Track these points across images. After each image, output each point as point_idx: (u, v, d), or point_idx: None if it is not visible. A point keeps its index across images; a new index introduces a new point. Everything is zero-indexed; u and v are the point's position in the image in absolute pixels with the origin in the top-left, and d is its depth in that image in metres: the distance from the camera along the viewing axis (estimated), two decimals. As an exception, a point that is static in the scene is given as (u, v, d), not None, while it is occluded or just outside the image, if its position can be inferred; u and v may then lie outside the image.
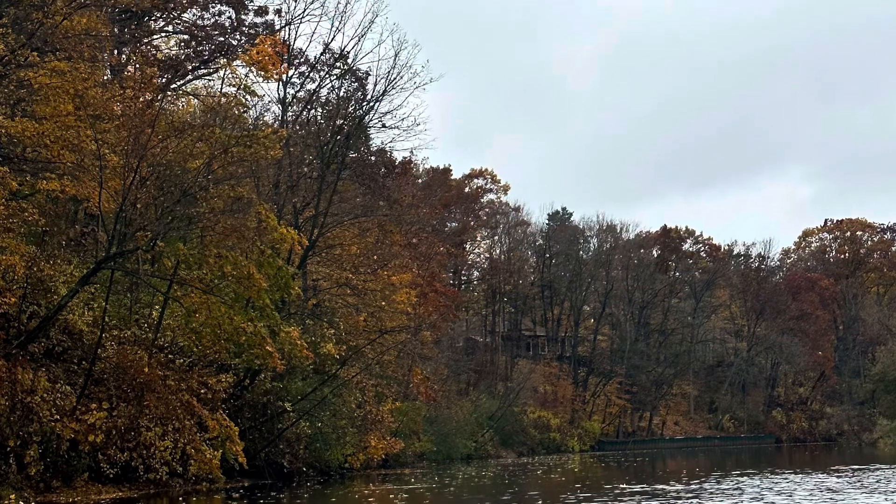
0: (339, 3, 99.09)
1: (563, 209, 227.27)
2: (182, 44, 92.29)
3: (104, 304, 63.36)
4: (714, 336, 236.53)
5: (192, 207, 63.34)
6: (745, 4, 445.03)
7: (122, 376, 63.26)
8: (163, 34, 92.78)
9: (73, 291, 59.92)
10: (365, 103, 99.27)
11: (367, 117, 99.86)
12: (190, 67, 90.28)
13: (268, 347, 64.28)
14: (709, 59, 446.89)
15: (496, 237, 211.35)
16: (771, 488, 74.85)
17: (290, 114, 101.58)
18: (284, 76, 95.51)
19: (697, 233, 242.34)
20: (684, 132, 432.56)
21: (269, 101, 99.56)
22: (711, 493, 70.57)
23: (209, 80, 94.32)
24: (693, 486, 78.00)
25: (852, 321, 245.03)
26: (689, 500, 64.08)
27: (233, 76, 74.06)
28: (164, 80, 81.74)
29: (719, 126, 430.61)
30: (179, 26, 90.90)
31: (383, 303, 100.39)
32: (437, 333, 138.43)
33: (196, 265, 62.83)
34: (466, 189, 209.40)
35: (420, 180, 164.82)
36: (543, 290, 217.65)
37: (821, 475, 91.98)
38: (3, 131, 57.50)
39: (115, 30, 77.52)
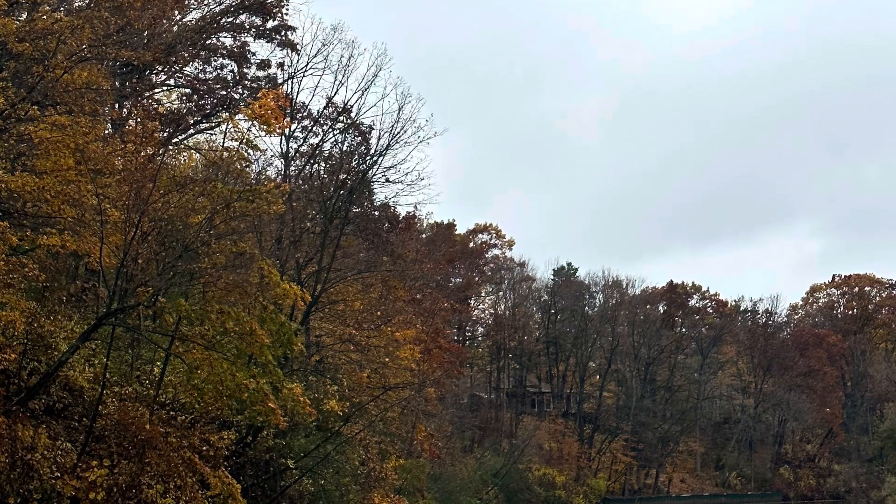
0: (342, 56, 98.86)
1: (569, 265, 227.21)
2: (184, 97, 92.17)
3: (105, 360, 62.65)
4: (721, 392, 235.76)
5: (193, 263, 62.81)
6: (751, 59, 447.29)
7: (123, 433, 62.48)
8: (164, 88, 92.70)
9: (74, 347, 59.27)
10: (368, 157, 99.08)
11: (370, 172, 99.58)
12: (192, 121, 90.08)
13: (270, 404, 63.51)
14: (715, 114, 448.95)
15: (501, 293, 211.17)
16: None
17: (293, 168, 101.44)
18: (287, 130, 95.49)
19: (704, 288, 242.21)
20: (690, 187, 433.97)
21: (272, 156, 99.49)
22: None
23: (211, 134, 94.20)
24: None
25: (860, 377, 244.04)
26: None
27: (235, 130, 73.53)
28: (165, 135, 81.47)
29: (726, 181, 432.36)
30: (181, 80, 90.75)
31: (387, 359, 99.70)
32: (441, 390, 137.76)
33: (198, 321, 62.15)
34: (471, 244, 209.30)
35: (424, 235, 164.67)
36: (548, 346, 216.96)
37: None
38: (3, 186, 57.05)
39: (117, 83, 77.25)
